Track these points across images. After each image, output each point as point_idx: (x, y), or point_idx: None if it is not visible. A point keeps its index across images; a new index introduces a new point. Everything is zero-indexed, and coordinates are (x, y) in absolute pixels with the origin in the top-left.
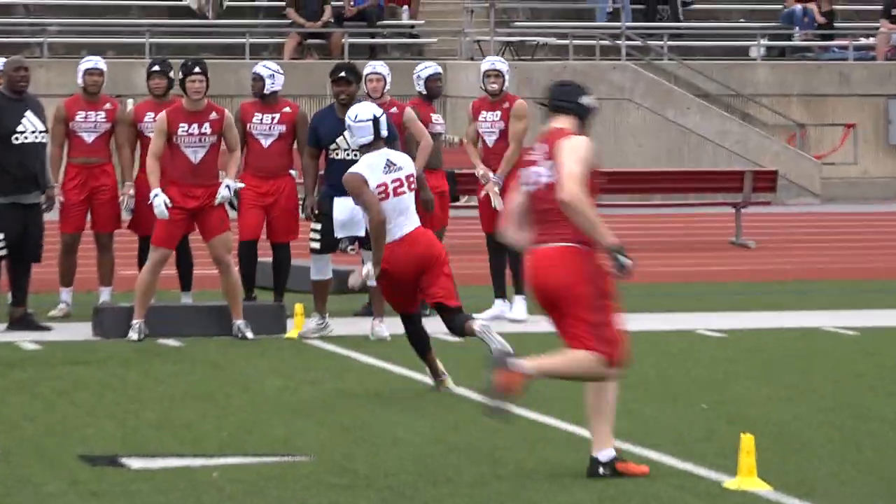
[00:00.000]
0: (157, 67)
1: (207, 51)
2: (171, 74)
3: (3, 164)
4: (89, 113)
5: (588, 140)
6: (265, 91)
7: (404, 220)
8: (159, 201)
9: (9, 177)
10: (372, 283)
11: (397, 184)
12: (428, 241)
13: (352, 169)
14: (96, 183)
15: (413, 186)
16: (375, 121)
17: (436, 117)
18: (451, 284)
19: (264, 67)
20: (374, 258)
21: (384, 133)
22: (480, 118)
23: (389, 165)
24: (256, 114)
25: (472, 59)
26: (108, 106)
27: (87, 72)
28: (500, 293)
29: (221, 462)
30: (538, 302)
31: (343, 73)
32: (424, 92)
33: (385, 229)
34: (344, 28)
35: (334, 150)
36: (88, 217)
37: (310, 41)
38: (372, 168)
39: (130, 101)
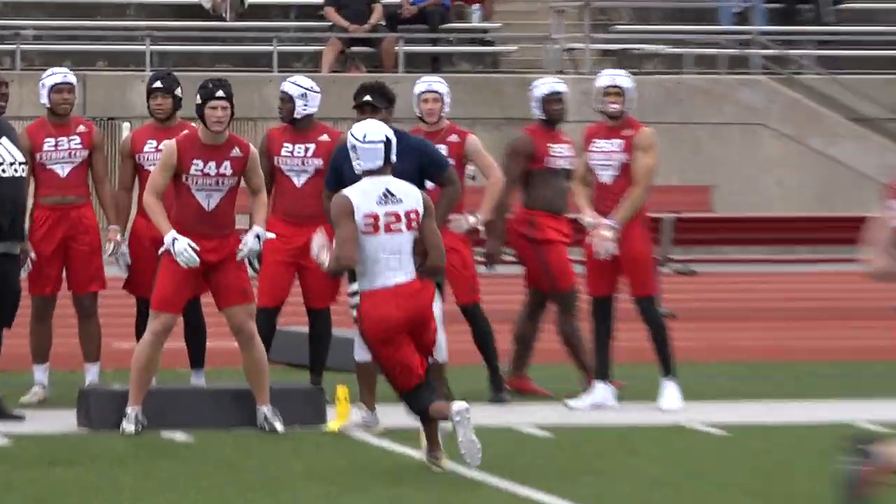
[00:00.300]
0: (159, 83)
1: (224, 62)
2: (178, 92)
3: None
4: (60, 139)
5: None
6: (296, 115)
7: (396, 263)
8: (182, 245)
9: None
10: (325, 261)
11: (392, 218)
12: (421, 301)
13: (345, 192)
14: (72, 229)
15: (414, 226)
16: (388, 144)
17: (557, 148)
18: (425, 353)
19: (294, 85)
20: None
21: (394, 159)
22: (593, 147)
23: (387, 196)
24: (286, 144)
25: (560, 72)
26: (81, 129)
27: (55, 88)
28: (604, 373)
29: None
30: None
31: (368, 97)
32: (543, 116)
33: (344, 269)
34: (398, 33)
35: None
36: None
37: (354, 49)
38: (365, 195)
39: (127, 126)
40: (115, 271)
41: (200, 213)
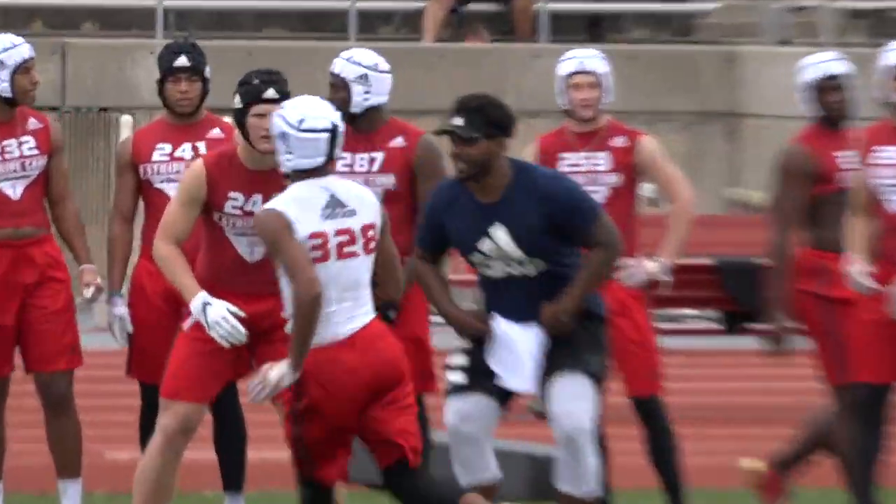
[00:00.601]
0: (183, 60)
1: (274, 24)
2: (207, 72)
3: None
4: (6, 143)
5: None
6: (353, 108)
7: (352, 304)
8: (219, 313)
9: None
10: (266, 396)
11: (344, 238)
12: (387, 347)
13: (269, 205)
14: (31, 274)
15: (373, 247)
16: (333, 132)
17: (847, 158)
18: (414, 426)
19: (350, 63)
20: (291, 357)
21: (338, 153)
22: (879, 157)
23: (335, 205)
24: (344, 154)
25: (782, 43)
26: (33, 124)
27: (24, 67)
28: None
29: None
30: None
31: (458, 121)
32: (820, 112)
33: (319, 312)
34: None
35: (481, 263)
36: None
37: (472, 6)
38: (303, 205)
39: (127, 122)
40: (103, 341)
41: (240, 265)
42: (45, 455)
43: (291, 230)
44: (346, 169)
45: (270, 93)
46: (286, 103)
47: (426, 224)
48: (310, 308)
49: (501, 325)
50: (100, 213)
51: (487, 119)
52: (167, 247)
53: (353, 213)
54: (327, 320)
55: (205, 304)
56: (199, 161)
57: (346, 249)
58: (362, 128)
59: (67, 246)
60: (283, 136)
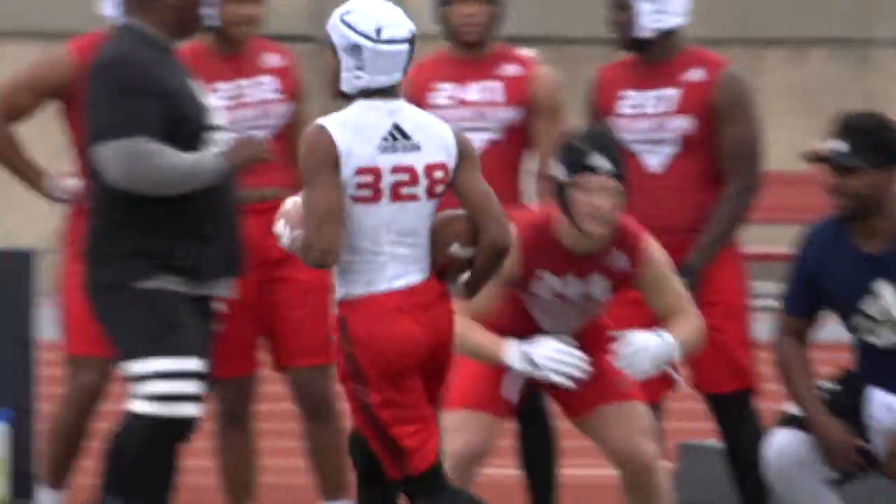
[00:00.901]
0: None
1: None
2: None
3: None
4: (233, 84)
5: None
6: (637, 32)
7: (408, 252)
8: (543, 353)
9: None
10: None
11: (403, 177)
12: (446, 313)
13: (325, 124)
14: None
15: (439, 191)
16: (413, 42)
17: None
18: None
19: None
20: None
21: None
22: None
23: (396, 136)
24: (625, 92)
25: None
26: (272, 61)
27: None
28: None
29: None
30: None
31: (844, 144)
32: None
33: (325, 261)
34: None
35: (864, 329)
36: None
37: None
38: (360, 133)
39: None
40: None
41: (534, 332)
42: (305, 472)
43: (337, 166)
44: (636, 111)
45: (600, 162)
46: (350, 7)
47: (794, 279)
48: (311, 262)
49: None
50: None
51: (877, 144)
52: (461, 318)
53: (416, 147)
54: (379, 268)
55: (523, 353)
56: (513, 233)
57: (403, 191)
58: (653, 59)
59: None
60: (355, 48)
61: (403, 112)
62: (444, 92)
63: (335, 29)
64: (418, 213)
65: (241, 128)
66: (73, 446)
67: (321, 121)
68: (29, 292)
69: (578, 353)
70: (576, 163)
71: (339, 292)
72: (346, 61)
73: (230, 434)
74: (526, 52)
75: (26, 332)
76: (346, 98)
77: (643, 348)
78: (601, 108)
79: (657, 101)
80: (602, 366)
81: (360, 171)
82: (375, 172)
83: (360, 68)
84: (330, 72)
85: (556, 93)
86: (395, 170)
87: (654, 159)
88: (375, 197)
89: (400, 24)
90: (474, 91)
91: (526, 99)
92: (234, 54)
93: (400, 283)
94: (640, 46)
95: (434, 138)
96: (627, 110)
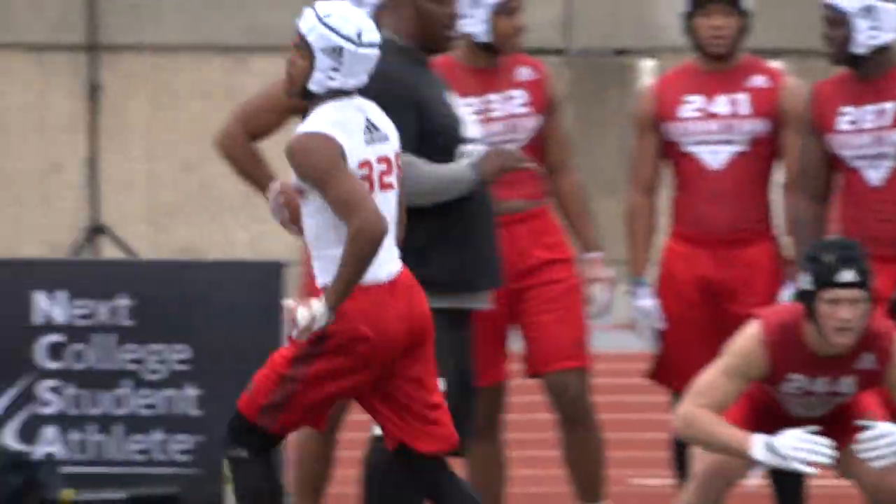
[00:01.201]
0: None
1: None
2: (748, 4)
3: None
4: (488, 98)
5: None
6: (855, 48)
7: (389, 244)
8: (788, 444)
9: None
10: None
11: (384, 167)
12: (422, 299)
13: (310, 128)
14: (530, 257)
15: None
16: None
17: None
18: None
19: None
20: (330, 297)
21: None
22: None
23: (370, 128)
24: (845, 108)
25: None
26: (525, 74)
27: (506, 8)
28: None
29: None
30: None
31: None
32: None
33: (377, 252)
34: None
35: None
36: None
37: None
38: (346, 129)
39: (648, 68)
40: (623, 342)
41: (786, 423)
42: (558, 480)
43: (345, 158)
44: (854, 126)
45: (848, 276)
46: (327, 9)
47: None
48: (372, 247)
49: None
50: (616, 182)
51: None
52: (698, 410)
53: (385, 138)
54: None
55: (768, 445)
56: (759, 334)
57: (385, 179)
58: (870, 74)
59: (569, 227)
60: (336, 50)
61: (366, 106)
62: (693, 104)
63: (315, 30)
64: (396, 201)
65: (490, 142)
66: (321, 470)
67: (312, 128)
68: (278, 302)
69: (823, 439)
70: (822, 276)
71: (321, 280)
72: (322, 62)
73: (479, 445)
74: (774, 63)
75: (276, 343)
76: (305, 98)
77: (888, 433)
78: (820, 124)
79: (875, 116)
80: (847, 427)
81: (361, 165)
82: (369, 165)
83: (335, 69)
84: (297, 70)
85: (804, 104)
86: (379, 160)
87: (875, 173)
88: (370, 188)
89: (374, 29)
90: (722, 103)
91: (774, 111)
92: (485, 68)
93: (383, 273)
94: (855, 62)
95: (390, 128)
96: (846, 126)
